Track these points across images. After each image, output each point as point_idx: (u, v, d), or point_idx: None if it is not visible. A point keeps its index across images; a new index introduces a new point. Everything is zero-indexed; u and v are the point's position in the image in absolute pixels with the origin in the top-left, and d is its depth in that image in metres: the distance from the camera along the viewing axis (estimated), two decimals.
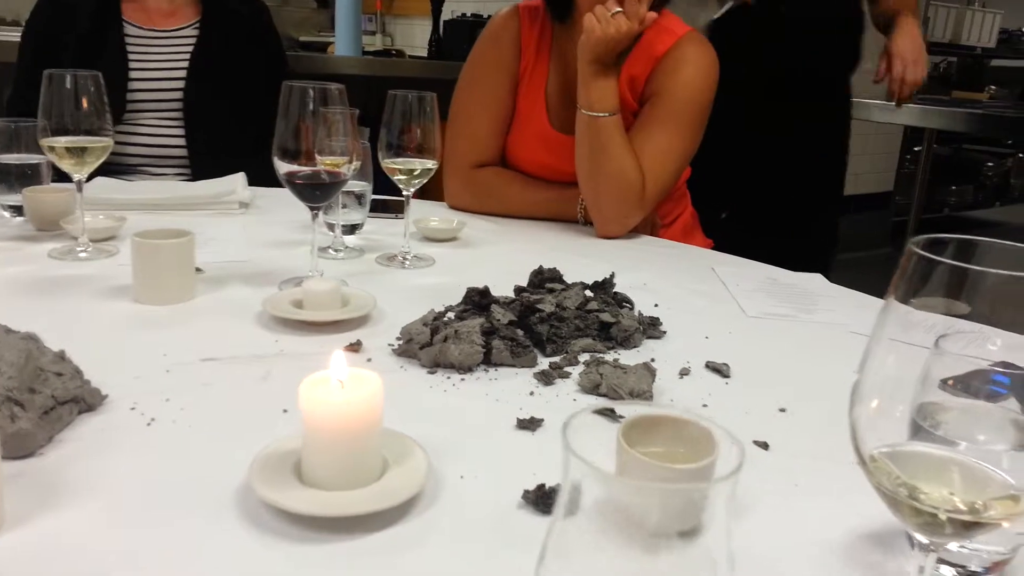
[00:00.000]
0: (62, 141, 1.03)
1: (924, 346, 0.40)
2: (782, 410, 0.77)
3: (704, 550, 0.30)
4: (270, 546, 0.53)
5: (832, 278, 1.22)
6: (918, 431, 0.44)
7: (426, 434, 0.64)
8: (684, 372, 0.85)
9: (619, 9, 1.29)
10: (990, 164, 6.26)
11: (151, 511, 0.56)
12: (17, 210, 1.27)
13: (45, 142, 1.04)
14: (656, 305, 1.05)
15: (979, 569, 0.56)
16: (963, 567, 0.56)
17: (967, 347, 0.43)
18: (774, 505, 0.62)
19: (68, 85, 1.02)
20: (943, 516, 0.40)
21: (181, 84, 1.74)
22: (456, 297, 0.95)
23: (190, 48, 1.76)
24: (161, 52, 1.75)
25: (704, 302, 1.10)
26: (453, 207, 1.56)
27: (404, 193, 1.17)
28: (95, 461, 0.62)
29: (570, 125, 1.41)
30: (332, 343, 0.86)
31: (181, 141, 1.74)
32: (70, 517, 0.55)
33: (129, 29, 1.75)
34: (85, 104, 1.03)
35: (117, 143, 1.68)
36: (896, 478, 0.41)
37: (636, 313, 0.98)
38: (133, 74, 1.71)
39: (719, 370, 0.86)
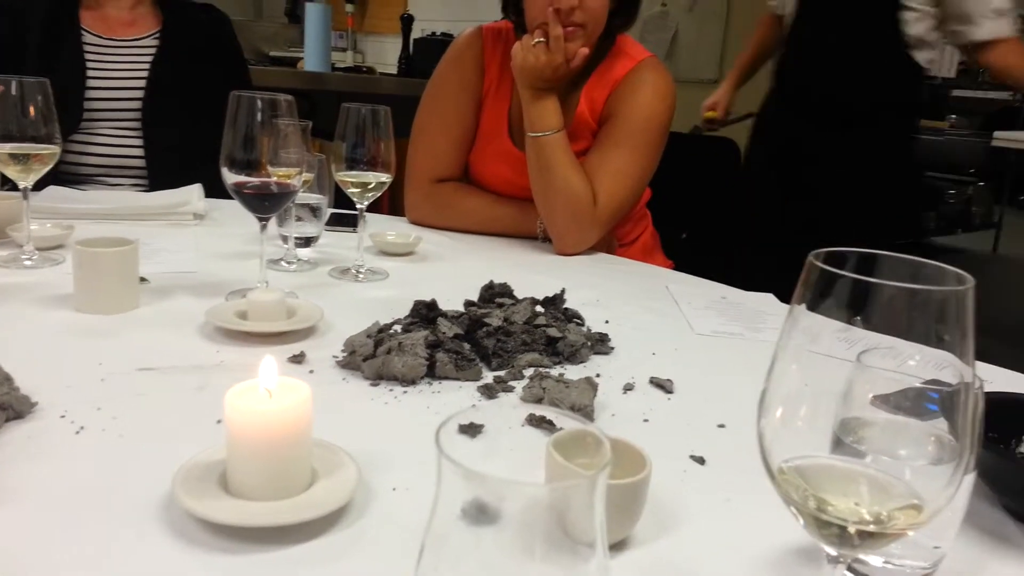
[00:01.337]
0: (7, 148, 1.02)
1: (828, 354, 0.40)
2: (721, 426, 0.78)
3: (592, 560, 0.30)
4: (193, 556, 0.52)
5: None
6: (839, 446, 0.44)
7: (362, 446, 0.64)
8: (628, 387, 0.85)
9: (541, 39, 1.34)
10: (952, 192, 6.40)
11: (73, 519, 0.55)
12: None
13: None
14: (607, 321, 1.05)
15: None
16: None
17: (886, 361, 0.44)
18: (704, 519, 0.62)
19: (14, 92, 1.01)
20: (851, 528, 0.40)
21: (140, 94, 1.72)
22: (407, 310, 0.95)
23: (150, 58, 1.75)
24: (120, 61, 1.74)
25: (654, 319, 1.11)
26: (413, 221, 1.56)
27: (358, 206, 1.17)
28: (19, 468, 0.60)
29: None
30: (275, 354, 0.84)
31: (139, 151, 1.73)
32: None
33: (88, 38, 1.74)
34: (32, 111, 1.02)
35: (74, 152, 1.67)
36: (804, 490, 0.41)
37: (585, 329, 0.98)
38: (91, 83, 1.70)
39: (662, 386, 0.86)
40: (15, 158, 1.03)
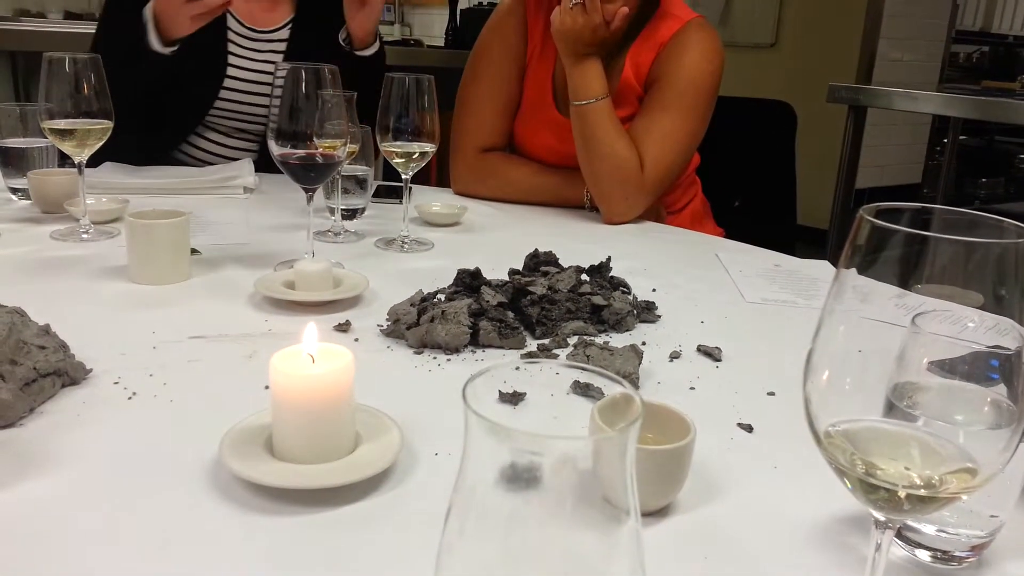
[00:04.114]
0: (61, 124, 1.05)
1: (877, 318, 0.38)
2: (771, 394, 0.76)
3: (625, 524, 0.29)
4: (240, 517, 0.53)
5: None
6: (892, 410, 0.43)
7: (406, 413, 0.64)
8: (675, 355, 0.84)
9: (578, 1, 1.31)
10: (1022, 156, 6.12)
11: (125, 482, 0.57)
12: (23, 192, 1.29)
13: (45, 125, 1.05)
14: (654, 290, 1.04)
15: (960, 553, 0.54)
16: (944, 551, 0.54)
17: (943, 326, 0.42)
18: (751, 486, 0.61)
19: (67, 68, 1.03)
20: (901, 492, 0.39)
21: (265, 100, 1.44)
22: (451, 280, 0.95)
23: (282, 52, 1.62)
24: (257, 59, 1.60)
25: (703, 287, 1.09)
26: (459, 192, 1.55)
27: (403, 176, 1.17)
28: (74, 432, 0.62)
29: None
30: (321, 323, 0.87)
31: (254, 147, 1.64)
32: (46, 486, 0.56)
33: (232, 24, 1.59)
34: (85, 88, 1.04)
35: (191, 146, 1.59)
36: (851, 454, 0.40)
37: (631, 297, 0.97)
38: (228, 83, 1.58)
39: (710, 354, 0.85)
40: (70, 134, 1.05)
